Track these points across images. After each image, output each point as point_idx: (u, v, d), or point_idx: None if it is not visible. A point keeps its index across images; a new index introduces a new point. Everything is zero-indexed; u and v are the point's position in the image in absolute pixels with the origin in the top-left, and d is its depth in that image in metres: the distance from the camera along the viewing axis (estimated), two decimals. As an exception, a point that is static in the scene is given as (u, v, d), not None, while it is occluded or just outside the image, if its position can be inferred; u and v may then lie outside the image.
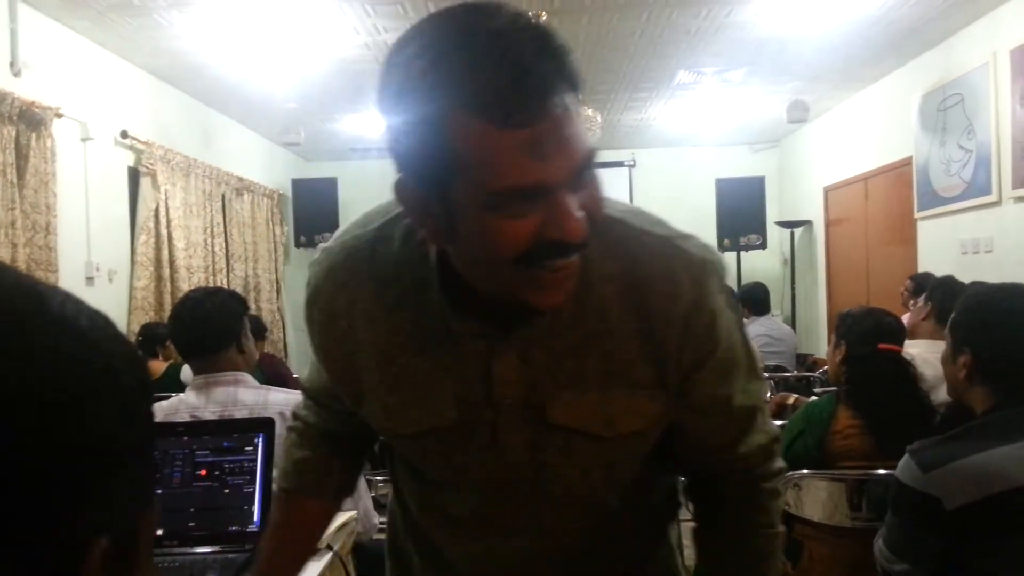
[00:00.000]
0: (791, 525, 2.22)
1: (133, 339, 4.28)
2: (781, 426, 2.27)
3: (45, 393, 0.39)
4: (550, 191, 0.73)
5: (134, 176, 5.21)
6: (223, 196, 6.47)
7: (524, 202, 0.73)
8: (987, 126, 4.73)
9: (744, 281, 6.17)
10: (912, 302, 4.12)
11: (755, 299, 5.20)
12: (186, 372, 3.19)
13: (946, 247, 5.27)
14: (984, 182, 4.78)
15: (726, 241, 7.35)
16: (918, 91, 5.56)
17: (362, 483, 2.11)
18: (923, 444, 1.51)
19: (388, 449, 1.11)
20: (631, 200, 7.35)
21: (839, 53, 5.42)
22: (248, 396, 2.13)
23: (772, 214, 8.02)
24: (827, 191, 7.48)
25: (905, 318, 3.24)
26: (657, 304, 0.88)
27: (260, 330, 4.17)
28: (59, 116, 4.21)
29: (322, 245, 0.99)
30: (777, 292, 7.55)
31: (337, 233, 0.99)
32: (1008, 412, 1.50)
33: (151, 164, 5.24)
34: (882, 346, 2.38)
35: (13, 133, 3.89)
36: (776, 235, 8.07)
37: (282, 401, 2.13)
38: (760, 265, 7.79)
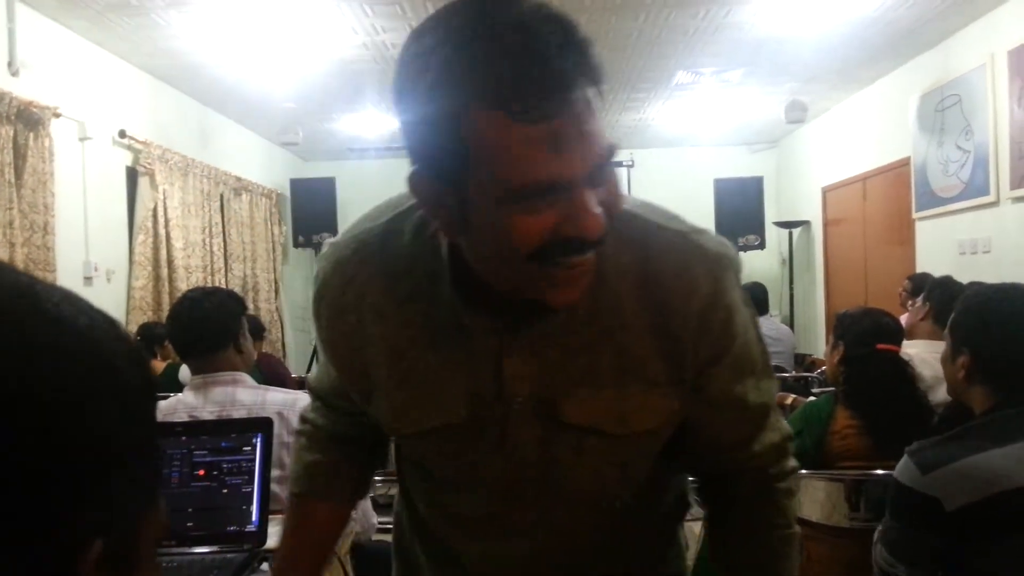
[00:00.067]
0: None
1: (131, 339, 4.27)
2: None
3: (45, 393, 0.39)
4: (568, 187, 0.72)
5: (132, 176, 5.21)
6: (221, 196, 6.47)
7: (541, 198, 0.71)
8: (985, 127, 4.73)
9: (742, 281, 6.16)
10: (910, 302, 4.12)
11: (753, 299, 5.13)
12: (184, 372, 3.19)
13: (944, 247, 5.27)
14: (982, 182, 4.79)
15: (724, 241, 7.34)
16: (916, 92, 5.56)
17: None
18: (922, 445, 1.51)
19: (396, 449, 1.09)
20: (629, 200, 7.31)
21: (837, 54, 5.43)
22: (246, 396, 2.13)
23: (770, 214, 8.03)
24: (825, 191, 7.49)
25: (903, 318, 3.24)
26: (673, 299, 0.86)
27: (258, 330, 4.17)
28: (57, 116, 4.20)
29: (329, 240, 0.97)
30: (775, 292, 7.56)
31: (346, 228, 0.97)
32: (1008, 412, 1.50)
33: (149, 164, 5.24)
34: (880, 346, 2.38)
35: (11, 133, 3.88)
36: (774, 235, 8.07)
37: (280, 401, 2.13)
38: (758, 265, 7.79)
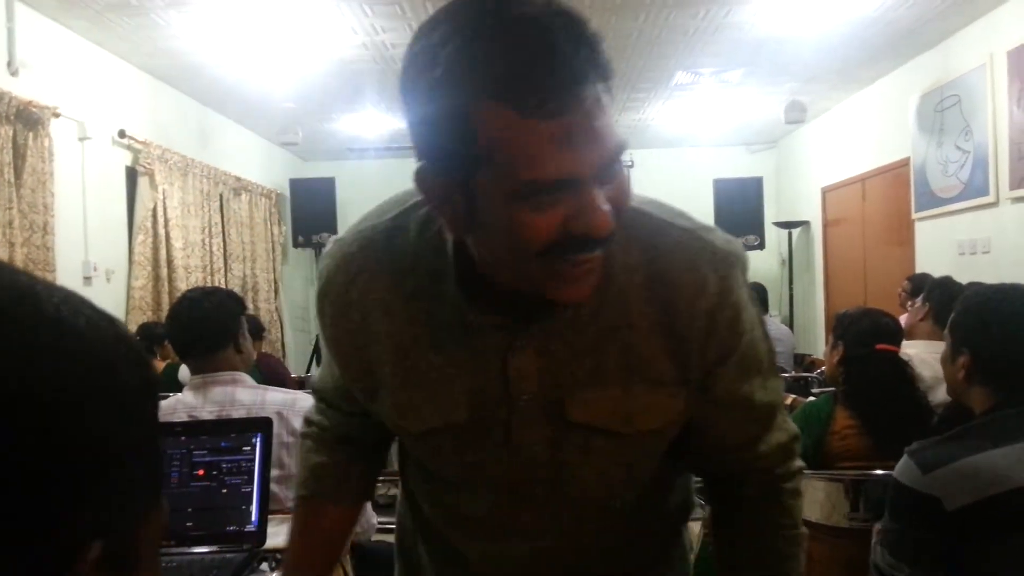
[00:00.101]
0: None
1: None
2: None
3: (45, 393, 0.39)
4: (577, 184, 0.71)
5: (132, 176, 5.21)
6: (221, 196, 6.47)
7: (550, 195, 0.71)
8: (984, 127, 4.73)
9: (742, 281, 6.16)
10: (910, 303, 4.12)
11: (753, 299, 5.19)
12: (183, 372, 3.19)
13: (943, 248, 5.27)
14: (981, 183, 4.79)
15: (724, 241, 7.35)
16: (916, 92, 5.56)
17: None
18: (922, 445, 1.51)
19: (400, 448, 1.08)
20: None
21: (837, 54, 5.43)
22: (246, 396, 2.12)
23: (770, 215, 8.04)
24: (825, 192, 7.49)
25: (903, 319, 3.24)
26: (681, 297, 0.86)
27: (258, 330, 4.17)
28: (56, 116, 4.20)
29: (334, 237, 0.96)
30: (775, 292, 7.57)
31: (351, 225, 0.96)
32: (1007, 412, 1.50)
33: (149, 164, 5.24)
34: (880, 347, 2.39)
35: (10, 132, 3.88)
36: (774, 236, 8.07)
37: (280, 401, 2.13)
38: (758, 266, 7.76)
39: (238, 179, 6.78)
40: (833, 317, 2.74)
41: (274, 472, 1.96)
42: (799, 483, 1.00)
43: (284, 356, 7.51)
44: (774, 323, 5.48)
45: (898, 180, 5.96)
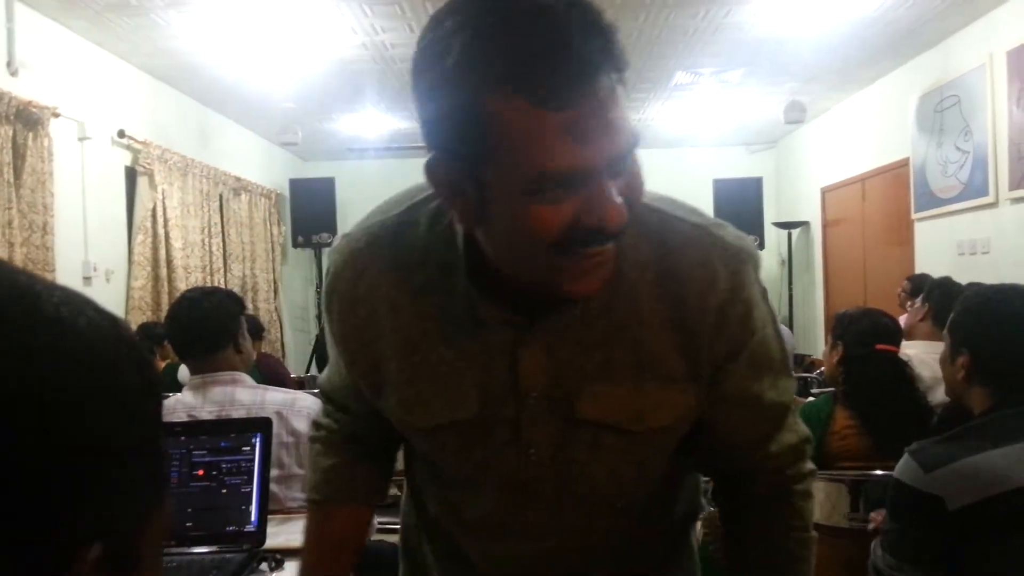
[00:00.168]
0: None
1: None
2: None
3: (45, 393, 0.39)
4: (590, 176, 0.70)
5: (131, 176, 5.20)
6: (220, 196, 6.47)
7: (562, 187, 0.70)
8: (984, 127, 4.73)
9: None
10: (909, 303, 4.12)
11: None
12: (183, 372, 3.19)
13: (943, 248, 5.27)
14: (981, 183, 4.79)
15: (723, 242, 7.36)
16: (915, 92, 5.57)
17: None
18: (923, 444, 1.51)
19: (406, 448, 1.07)
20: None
21: (836, 54, 5.43)
22: (245, 396, 2.12)
23: (769, 215, 8.04)
24: (824, 192, 7.49)
25: (902, 319, 3.24)
26: (691, 293, 0.85)
27: (257, 330, 4.17)
28: (56, 116, 4.20)
29: (342, 233, 0.96)
30: (774, 293, 7.54)
31: (359, 220, 0.95)
32: (1006, 412, 1.50)
33: (148, 164, 5.24)
34: (879, 347, 2.39)
35: (10, 132, 3.88)
36: (773, 236, 8.08)
37: (279, 401, 2.13)
38: (757, 266, 7.79)
39: (238, 179, 6.78)
40: (833, 317, 2.74)
41: (274, 472, 1.96)
42: (809, 485, 0.99)
43: (284, 356, 7.51)
44: (774, 323, 5.47)
45: (898, 180, 5.96)
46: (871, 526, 1.95)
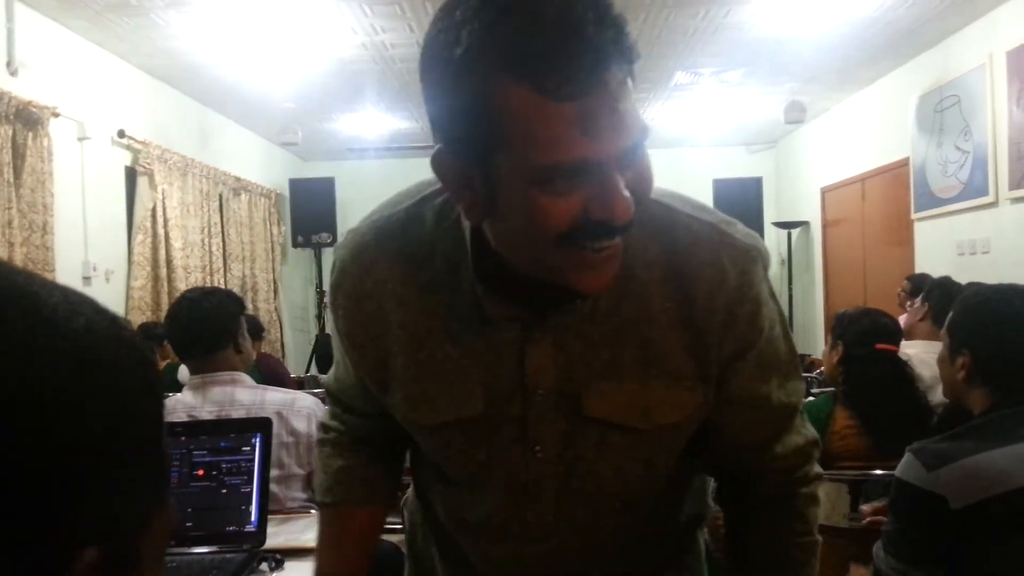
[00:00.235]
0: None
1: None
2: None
3: (45, 393, 0.39)
4: (598, 169, 0.69)
5: (131, 176, 5.20)
6: (220, 196, 6.47)
7: (570, 178, 0.69)
8: (984, 127, 4.73)
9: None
10: (909, 303, 4.13)
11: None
12: (183, 372, 3.19)
13: (943, 248, 5.28)
14: (981, 183, 4.79)
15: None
16: (915, 92, 5.57)
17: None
18: (924, 443, 1.50)
19: (412, 447, 1.06)
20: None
21: (836, 54, 5.43)
22: (245, 396, 2.12)
23: (769, 215, 8.04)
24: (824, 192, 7.49)
25: (902, 319, 3.24)
26: (700, 290, 0.84)
27: (257, 330, 4.17)
28: (56, 115, 4.20)
29: (349, 228, 0.95)
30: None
31: (365, 216, 0.94)
32: (1005, 412, 1.50)
33: (148, 164, 5.24)
34: (879, 346, 2.39)
35: (10, 132, 3.88)
36: (773, 236, 8.07)
37: (279, 401, 2.13)
38: (757, 266, 7.79)
39: (237, 179, 6.78)
40: (833, 317, 2.74)
41: (274, 472, 1.96)
42: (816, 489, 0.98)
43: (283, 356, 7.51)
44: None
45: (897, 180, 5.96)
46: (865, 520, 1.95)
